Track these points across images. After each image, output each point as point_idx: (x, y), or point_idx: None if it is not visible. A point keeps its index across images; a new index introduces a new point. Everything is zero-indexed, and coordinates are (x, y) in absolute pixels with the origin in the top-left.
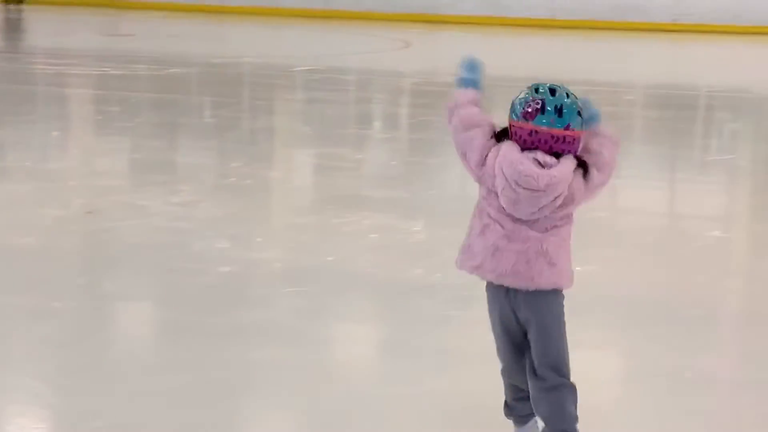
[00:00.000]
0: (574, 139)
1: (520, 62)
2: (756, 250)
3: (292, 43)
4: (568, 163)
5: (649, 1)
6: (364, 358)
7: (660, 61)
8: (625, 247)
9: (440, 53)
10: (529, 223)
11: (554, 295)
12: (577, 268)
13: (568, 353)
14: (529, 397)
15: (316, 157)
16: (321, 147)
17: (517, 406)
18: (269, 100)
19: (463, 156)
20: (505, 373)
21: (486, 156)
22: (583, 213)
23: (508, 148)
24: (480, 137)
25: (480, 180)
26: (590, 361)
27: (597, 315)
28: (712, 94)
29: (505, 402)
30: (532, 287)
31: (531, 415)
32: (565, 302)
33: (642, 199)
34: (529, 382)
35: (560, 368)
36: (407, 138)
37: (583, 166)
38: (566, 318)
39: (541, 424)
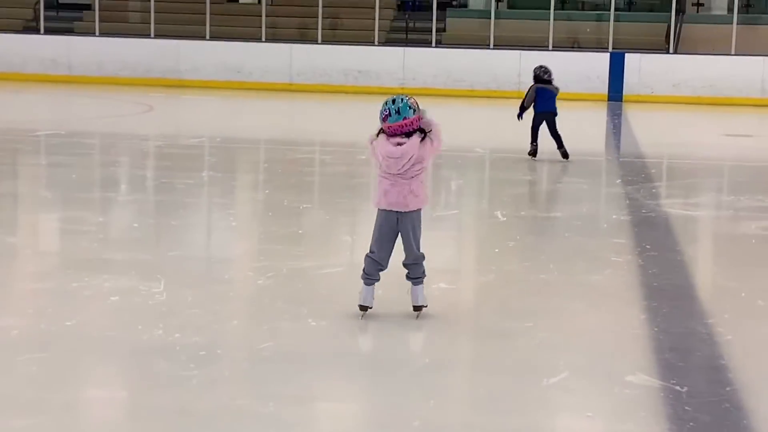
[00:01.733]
0: (411, 123)
1: (259, 124)
2: (477, 299)
3: (35, 107)
4: (414, 138)
5: (379, 65)
6: (105, 422)
7: None
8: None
9: (182, 116)
10: (400, 175)
11: (417, 212)
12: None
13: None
14: (380, 268)
15: (58, 222)
16: (63, 211)
17: (374, 275)
18: (11, 165)
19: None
20: (375, 255)
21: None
22: None
23: (379, 140)
24: (372, 148)
25: (375, 160)
26: None
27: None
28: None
29: (366, 272)
30: (405, 210)
31: (377, 279)
32: None
33: None
34: (406, 253)
35: (419, 246)
36: (151, 200)
37: (424, 136)
38: None
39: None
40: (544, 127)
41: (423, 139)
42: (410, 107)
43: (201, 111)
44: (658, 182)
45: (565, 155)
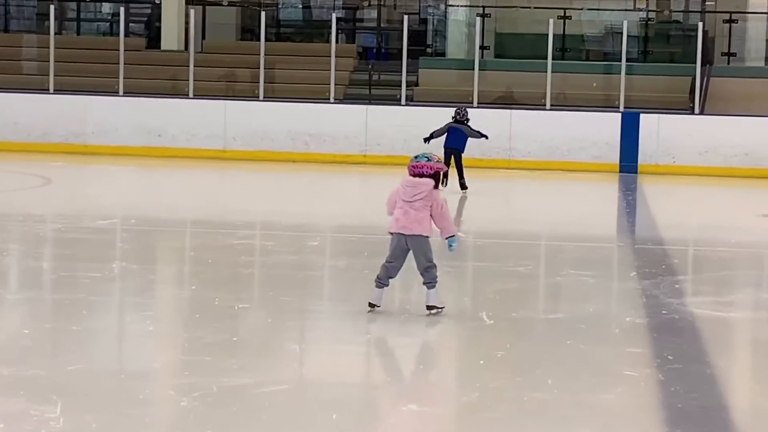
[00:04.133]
0: (430, 167)
1: (185, 201)
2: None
3: None
4: (430, 180)
5: (336, 127)
6: None
7: (351, 198)
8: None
9: (88, 191)
10: (410, 204)
11: (424, 237)
12: None
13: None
14: (391, 276)
15: None
16: None
17: (386, 280)
18: None
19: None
20: (391, 265)
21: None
22: None
23: (404, 179)
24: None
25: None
26: None
27: None
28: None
29: (379, 277)
30: (410, 233)
31: (387, 285)
32: None
33: (333, 367)
34: (417, 263)
35: (431, 259)
36: (46, 299)
37: (436, 184)
38: None
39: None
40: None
41: (435, 186)
42: (431, 158)
43: (112, 185)
44: (682, 275)
45: (463, 186)
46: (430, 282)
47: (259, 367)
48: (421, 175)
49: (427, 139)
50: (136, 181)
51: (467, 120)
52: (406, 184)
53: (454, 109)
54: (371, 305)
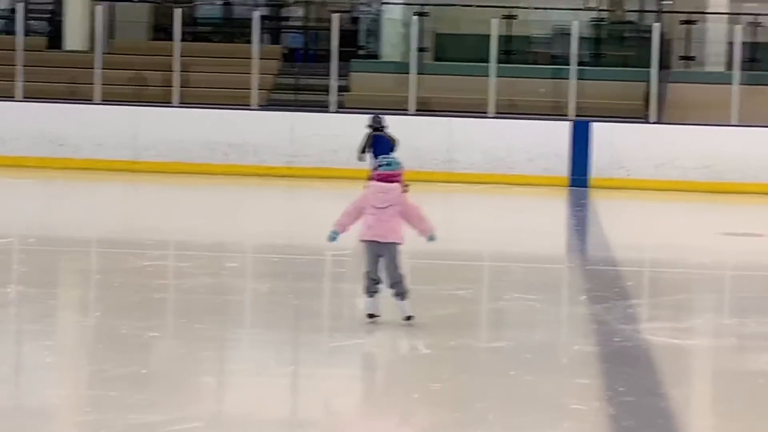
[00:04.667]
0: (398, 175)
1: (90, 217)
2: None
3: None
4: (398, 186)
5: (259, 137)
6: None
7: (275, 215)
8: None
9: None
10: (383, 210)
11: (395, 245)
12: None
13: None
14: (377, 282)
15: None
16: None
17: (373, 287)
18: None
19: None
20: (371, 273)
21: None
22: None
23: (371, 183)
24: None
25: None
26: None
27: None
28: (340, 258)
29: (367, 288)
30: (384, 241)
31: (377, 291)
32: None
33: (253, 402)
34: (387, 273)
35: (400, 268)
36: None
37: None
38: None
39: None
40: None
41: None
42: (399, 164)
43: (9, 199)
44: (636, 299)
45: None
46: (403, 293)
47: (170, 402)
48: (391, 181)
49: (360, 157)
50: (35, 196)
51: (384, 127)
52: (378, 191)
53: (370, 117)
54: (370, 316)
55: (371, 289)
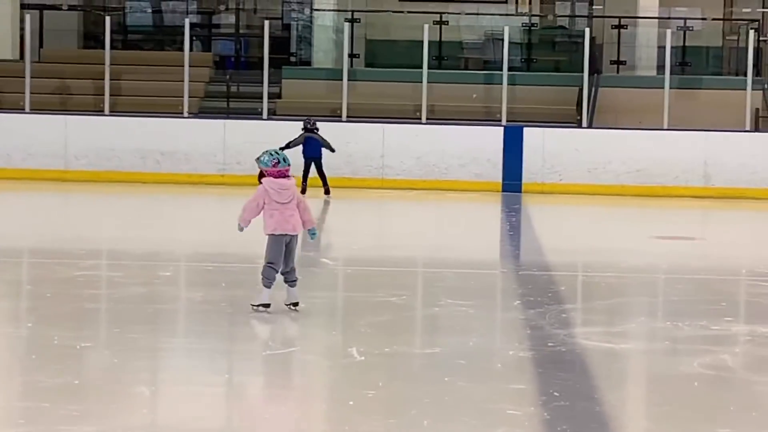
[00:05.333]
0: (289, 170)
1: (20, 228)
2: None
3: None
4: (293, 180)
5: (191, 144)
6: None
7: (208, 223)
8: None
9: None
10: (286, 205)
11: (297, 235)
12: None
13: None
14: (276, 274)
15: None
16: None
17: (273, 279)
18: None
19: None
20: (275, 266)
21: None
22: None
23: (268, 181)
24: (263, 189)
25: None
26: None
27: None
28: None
29: (268, 278)
30: (294, 233)
31: (274, 281)
32: None
33: (186, 412)
34: (288, 267)
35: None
36: None
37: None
38: None
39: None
40: None
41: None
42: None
43: None
44: (569, 304)
45: (328, 191)
46: (296, 281)
47: (103, 413)
48: (287, 177)
49: (282, 148)
50: None
51: (317, 129)
52: (280, 187)
53: (303, 119)
54: (265, 306)
55: (272, 280)
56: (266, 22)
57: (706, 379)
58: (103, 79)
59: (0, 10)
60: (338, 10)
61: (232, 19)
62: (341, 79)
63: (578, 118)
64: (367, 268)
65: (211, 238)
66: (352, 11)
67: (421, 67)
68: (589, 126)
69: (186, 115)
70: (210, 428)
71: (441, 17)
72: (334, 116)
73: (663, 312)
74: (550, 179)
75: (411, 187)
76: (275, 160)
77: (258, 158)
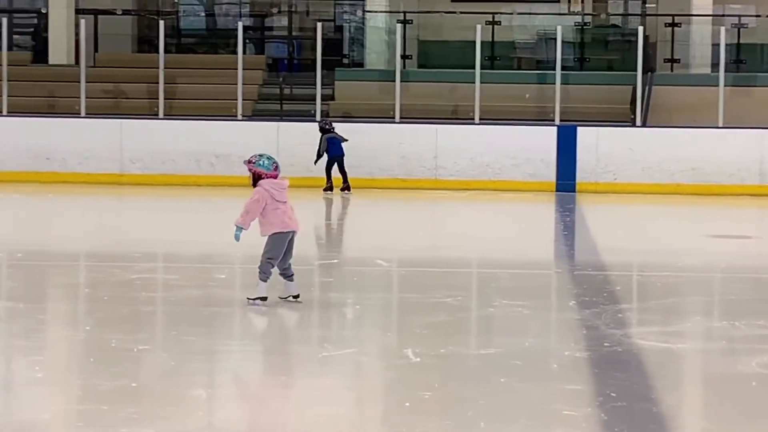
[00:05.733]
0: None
1: (78, 231)
2: None
3: None
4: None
5: (245, 147)
6: None
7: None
8: None
9: None
10: (285, 203)
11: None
12: None
13: None
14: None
15: None
16: None
17: (269, 276)
18: None
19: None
20: (275, 262)
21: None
22: None
23: (268, 182)
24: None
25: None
26: None
27: None
28: (326, 266)
29: (267, 273)
30: (297, 229)
31: (271, 276)
32: None
33: (242, 414)
34: (286, 263)
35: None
36: None
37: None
38: None
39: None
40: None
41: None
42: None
43: None
44: (625, 304)
45: (348, 188)
46: (293, 274)
47: (161, 416)
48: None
49: (315, 161)
50: (22, 210)
51: (333, 128)
52: (280, 187)
53: (319, 121)
54: (263, 299)
55: (269, 275)
56: (319, 24)
57: (764, 378)
58: (157, 83)
59: (55, 15)
60: (390, 12)
61: (284, 21)
62: (394, 81)
63: (632, 117)
64: (422, 268)
65: (264, 240)
66: (405, 12)
67: (473, 68)
68: (643, 125)
69: (240, 117)
70: (266, 431)
71: (493, 17)
72: (387, 117)
73: (719, 311)
74: (604, 179)
75: (464, 187)
76: (275, 164)
77: (254, 162)
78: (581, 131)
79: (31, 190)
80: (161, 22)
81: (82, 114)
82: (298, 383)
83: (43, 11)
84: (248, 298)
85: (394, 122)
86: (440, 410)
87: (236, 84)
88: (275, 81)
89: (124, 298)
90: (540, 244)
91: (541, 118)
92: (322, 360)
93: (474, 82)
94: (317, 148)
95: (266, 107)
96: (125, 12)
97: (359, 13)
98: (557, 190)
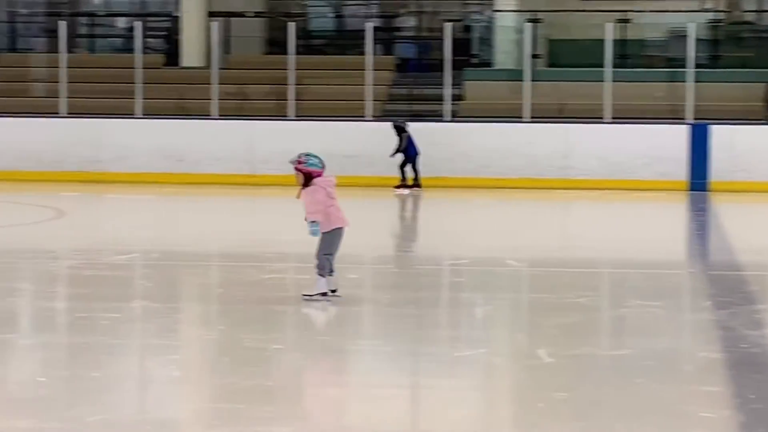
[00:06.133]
0: None
1: (210, 231)
2: None
3: None
4: None
5: (373, 147)
6: None
7: (391, 225)
8: None
9: (104, 224)
10: (336, 199)
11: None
12: None
13: None
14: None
15: None
16: None
17: (327, 271)
18: None
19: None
20: (331, 259)
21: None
22: None
23: (322, 180)
24: (322, 200)
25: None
26: None
27: None
28: (456, 266)
29: (326, 269)
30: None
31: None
32: None
33: (377, 413)
34: (334, 258)
35: None
36: (62, 343)
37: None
38: None
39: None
40: None
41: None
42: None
43: (130, 215)
44: (761, 304)
45: (419, 185)
46: (334, 270)
47: (296, 414)
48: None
49: (393, 155)
50: (156, 211)
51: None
52: (332, 184)
53: (394, 121)
54: (324, 294)
55: (327, 270)
56: (447, 25)
57: None
58: (287, 84)
59: (188, 18)
60: (519, 11)
61: (413, 22)
62: (523, 80)
63: (767, 114)
64: (553, 269)
65: (396, 240)
66: (534, 11)
67: (603, 66)
68: None
69: (369, 118)
70: (398, 430)
71: (624, 15)
72: (516, 117)
73: None
74: (738, 177)
75: (595, 187)
76: (322, 163)
77: (304, 162)
78: (714, 130)
79: (164, 191)
80: (291, 24)
81: (214, 115)
82: (431, 383)
83: (176, 15)
84: (306, 295)
85: (524, 122)
86: (574, 412)
87: (365, 85)
88: (404, 81)
89: (256, 298)
90: (673, 244)
91: (673, 116)
92: (454, 360)
93: (604, 81)
94: (397, 144)
95: (395, 108)
96: (256, 14)
97: (488, 12)
98: (690, 190)
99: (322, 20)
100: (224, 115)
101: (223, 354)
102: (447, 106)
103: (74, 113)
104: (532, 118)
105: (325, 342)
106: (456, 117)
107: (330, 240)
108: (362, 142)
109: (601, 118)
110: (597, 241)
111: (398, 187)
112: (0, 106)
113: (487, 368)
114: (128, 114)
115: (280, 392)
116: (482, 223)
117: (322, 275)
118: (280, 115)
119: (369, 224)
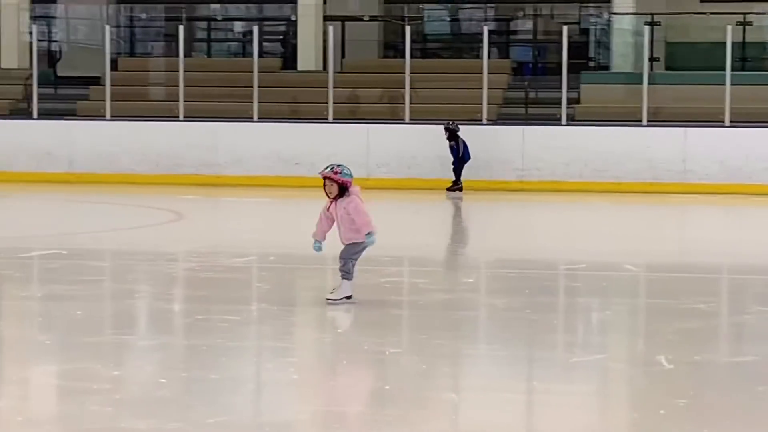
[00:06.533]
0: None
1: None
2: None
3: (25, 217)
4: None
5: (490, 151)
6: None
7: (509, 230)
8: None
9: (222, 226)
10: None
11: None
12: None
13: None
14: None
15: (58, 377)
16: (64, 362)
17: (353, 274)
18: None
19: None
20: (355, 262)
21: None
22: None
23: (357, 190)
24: (362, 207)
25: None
26: None
27: None
28: (573, 271)
29: (351, 273)
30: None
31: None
32: None
33: (495, 419)
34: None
35: None
36: (181, 345)
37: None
38: None
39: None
40: None
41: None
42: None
43: (247, 218)
44: None
45: (461, 188)
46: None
47: (415, 418)
48: None
49: (457, 160)
50: (273, 214)
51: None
52: (361, 195)
53: (447, 124)
54: (349, 297)
55: (353, 274)
56: (564, 27)
57: None
58: (403, 88)
59: (304, 22)
60: (637, 14)
61: (529, 25)
62: (641, 83)
63: None
64: (672, 274)
65: (512, 244)
66: (652, 14)
67: (723, 69)
68: None
69: (485, 122)
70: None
71: (744, 18)
72: (634, 121)
73: None
74: None
75: (714, 191)
76: (351, 173)
77: (340, 173)
78: None
79: (280, 195)
80: (407, 28)
81: (330, 119)
82: (547, 388)
83: (293, 19)
84: (330, 299)
85: (642, 125)
86: (696, 418)
87: (481, 88)
88: (520, 85)
89: (373, 301)
90: None
91: None
92: (572, 365)
93: (724, 84)
94: (457, 148)
95: (511, 111)
96: (372, 18)
97: (605, 15)
98: None
99: (438, 23)
100: (339, 118)
101: (341, 357)
102: (564, 110)
103: (191, 117)
104: (650, 121)
105: (441, 346)
106: (572, 120)
107: (362, 247)
108: (477, 146)
109: (721, 121)
110: (716, 246)
111: (453, 189)
112: (119, 110)
113: (604, 374)
114: (245, 117)
115: (398, 396)
116: (599, 227)
117: (347, 279)
118: (396, 118)
119: (484, 227)
